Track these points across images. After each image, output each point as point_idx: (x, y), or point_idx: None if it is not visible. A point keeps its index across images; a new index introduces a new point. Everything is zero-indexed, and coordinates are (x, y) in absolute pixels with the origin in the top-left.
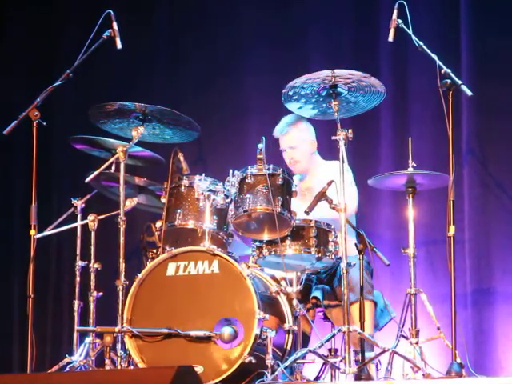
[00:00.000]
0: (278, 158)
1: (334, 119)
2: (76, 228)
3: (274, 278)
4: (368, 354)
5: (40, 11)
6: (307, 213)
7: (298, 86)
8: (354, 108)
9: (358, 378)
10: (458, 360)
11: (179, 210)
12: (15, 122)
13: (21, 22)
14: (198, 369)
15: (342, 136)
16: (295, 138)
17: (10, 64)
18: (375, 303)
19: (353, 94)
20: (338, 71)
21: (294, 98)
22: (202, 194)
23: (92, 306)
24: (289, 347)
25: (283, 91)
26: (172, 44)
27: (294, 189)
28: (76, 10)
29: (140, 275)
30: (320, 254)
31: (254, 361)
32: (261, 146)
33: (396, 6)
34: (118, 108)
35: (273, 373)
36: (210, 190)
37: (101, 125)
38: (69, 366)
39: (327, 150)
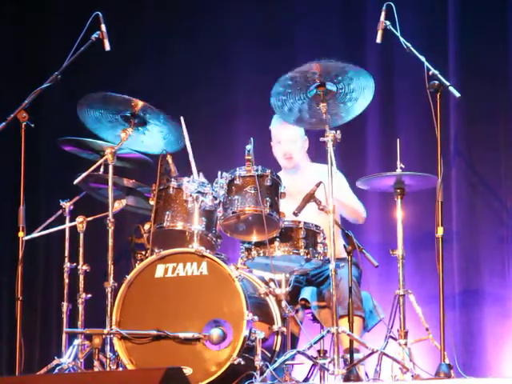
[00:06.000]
0: (266, 159)
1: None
2: (64, 230)
3: (262, 279)
4: (356, 356)
5: (34, 11)
6: (296, 214)
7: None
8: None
9: (346, 379)
10: (447, 361)
11: (168, 212)
12: (3, 123)
13: (17, 21)
14: (187, 370)
15: (330, 137)
16: (295, 131)
17: (4, 65)
18: (363, 318)
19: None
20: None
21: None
22: (191, 195)
23: (81, 307)
24: (278, 349)
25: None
26: (160, 44)
27: (282, 190)
28: (69, 11)
29: (128, 277)
30: (309, 256)
31: (242, 362)
32: (249, 147)
33: (384, 7)
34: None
35: (261, 374)
36: (199, 192)
37: (89, 119)
38: (57, 367)
39: (313, 151)
